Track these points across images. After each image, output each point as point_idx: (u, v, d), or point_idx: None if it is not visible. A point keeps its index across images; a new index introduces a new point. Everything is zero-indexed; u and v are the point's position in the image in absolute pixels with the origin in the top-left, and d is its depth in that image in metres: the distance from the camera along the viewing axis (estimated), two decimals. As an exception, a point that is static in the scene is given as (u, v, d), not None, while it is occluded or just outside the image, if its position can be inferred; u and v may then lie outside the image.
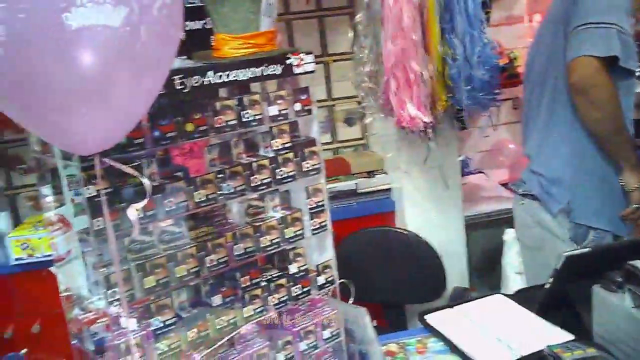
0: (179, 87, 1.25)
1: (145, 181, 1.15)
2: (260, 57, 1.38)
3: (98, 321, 1.25)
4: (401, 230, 2.78)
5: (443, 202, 2.92)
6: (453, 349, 1.66)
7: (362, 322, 1.57)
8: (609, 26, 1.82)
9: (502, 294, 1.97)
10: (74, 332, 1.29)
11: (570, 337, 1.61)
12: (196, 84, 1.27)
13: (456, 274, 2.87)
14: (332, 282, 1.54)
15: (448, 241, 2.87)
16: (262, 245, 1.41)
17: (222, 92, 1.45)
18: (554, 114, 2.03)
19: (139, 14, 0.96)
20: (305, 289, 1.50)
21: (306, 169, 1.46)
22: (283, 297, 1.45)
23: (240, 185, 1.37)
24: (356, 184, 3.03)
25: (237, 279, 1.39)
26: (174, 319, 1.27)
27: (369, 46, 2.55)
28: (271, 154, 1.42)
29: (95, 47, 0.93)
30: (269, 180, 1.41)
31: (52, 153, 1.21)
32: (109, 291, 1.17)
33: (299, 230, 1.47)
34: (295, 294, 1.48)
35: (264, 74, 1.38)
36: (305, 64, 1.44)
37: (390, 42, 2.39)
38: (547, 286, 1.72)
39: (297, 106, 1.44)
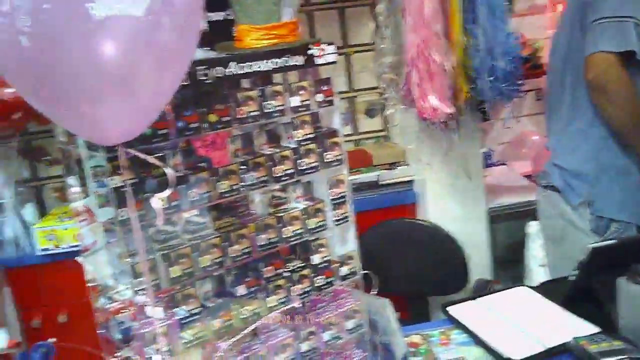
0: (202, 78, 1.25)
1: (169, 171, 1.15)
2: (282, 47, 1.38)
3: (124, 310, 1.26)
4: (423, 222, 2.77)
5: (466, 194, 2.90)
6: (476, 340, 1.65)
7: (385, 313, 1.56)
8: (625, 19, 1.78)
9: (527, 286, 1.95)
10: (101, 322, 1.30)
11: (596, 329, 1.59)
12: (219, 75, 1.27)
13: (479, 266, 2.85)
14: (355, 273, 1.54)
15: (471, 233, 2.86)
16: (284, 236, 1.41)
17: (245, 83, 1.45)
18: (574, 108, 2.00)
19: (161, 3, 0.97)
20: (328, 280, 1.49)
21: (328, 160, 1.46)
22: (306, 287, 1.45)
23: (263, 176, 1.37)
24: (378, 175, 3.02)
25: (260, 270, 1.40)
26: (199, 308, 1.28)
27: (390, 37, 2.54)
28: (293, 145, 1.42)
29: (119, 37, 0.93)
30: (291, 171, 1.41)
31: (77, 144, 1.22)
32: (135, 280, 1.18)
33: (322, 221, 1.47)
34: (318, 285, 1.48)
35: (286, 64, 1.38)
36: (326, 54, 1.43)
37: (411, 32, 2.37)
38: (573, 278, 1.70)
39: (319, 97, 1.44)
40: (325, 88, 1.45)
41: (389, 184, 3.03)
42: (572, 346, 1.51)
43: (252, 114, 1.34)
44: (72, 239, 2.68)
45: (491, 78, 2.40)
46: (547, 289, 1.88)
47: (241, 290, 1.36)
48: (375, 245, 2.63)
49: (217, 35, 1.48)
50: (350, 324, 1.53)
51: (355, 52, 3.34)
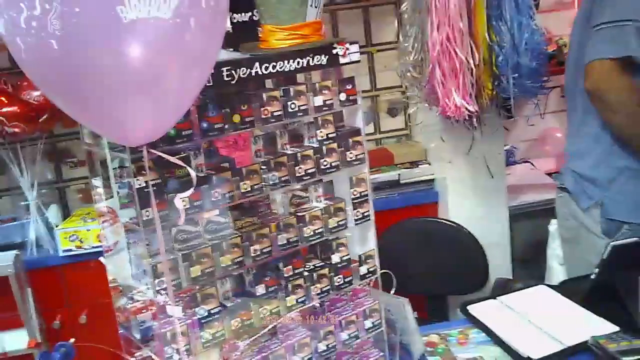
0: (227, 79, 1.26)
1: (192, 172, 1.16)
2: (306, 47, 1.38)
3: (144, 310, 1.28)
4: (444, 221, 2.76)
5: (487, 193, 2.89)
6: (495, 340, 1.65)
7: (403, 312, 1.56)
8: (624, 23, 1.73)
9: (546, 285, 1.94)
10: (122, 321, 1.32)
11: (615, 328, 1.58)
12: (243, 76, 1.28)
13: (499, 265, 2.84)
14: (374, 273, 1.54)
15: (492, 232, 2.84)
16: (305, 236, 1.42)
17: (268, 83, 1.46)
18: (586, 112, 1.98)
19: (188, 5, 0.97)
20: (347, 279, 1.50)
21: (350, 159, 1.46)
22: (325, 287, 1.46)
23: (284, 176, 1.37)
24: (399, 174, 3.01)
25: (280, 269, 1.41)
26: (218, 308, 1.29)
27: (414, 35, 2.52)
28: (315, 144, 1.42)
29: (146, 40, 0.94)
30: (312, 170, 1.41)
31: (101, 145, 1.24)
32: (156, 280, 1.20)
33: (342, 220, 1.47)
34: (337, 284, 1.48)
35: (310, 64, 1.38)
36: (350, 53, 1.43)
37: (436, 30, 2.36)
38: (593, 277, 1.68)
39: (342, 96, 1.44)
40: (348, 87, 1.45)
41: (410, 183, 3.02)
42: (592, 345, 1.50)
43: (275, 114, 1.35)
44: (94, 239, 2.71)
45: (515, 75, 2.38)
46: (567, 288, 1.87)
47: (260, 289, 1.37)
48: (395, 244, 2.63)
49: (242, 36, 1.48)
50: (368, 323, 1.53)
51: (378, 51, 3.32)
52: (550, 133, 3.61)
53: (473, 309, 1.81)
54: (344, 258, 1.49)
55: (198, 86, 1.11)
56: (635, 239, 1.75)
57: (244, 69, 1.28)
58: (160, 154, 1.13)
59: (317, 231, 1.44)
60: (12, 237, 2.86)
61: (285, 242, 1.39)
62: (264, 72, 1.31)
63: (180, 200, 1.16)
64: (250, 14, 1.54)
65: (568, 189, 2.09)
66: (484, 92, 2.45)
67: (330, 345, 1.47)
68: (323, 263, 1.47)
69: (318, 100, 1.41)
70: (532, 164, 3.57)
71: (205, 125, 1.24)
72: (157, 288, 1.19)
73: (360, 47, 1.48)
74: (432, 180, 3.02)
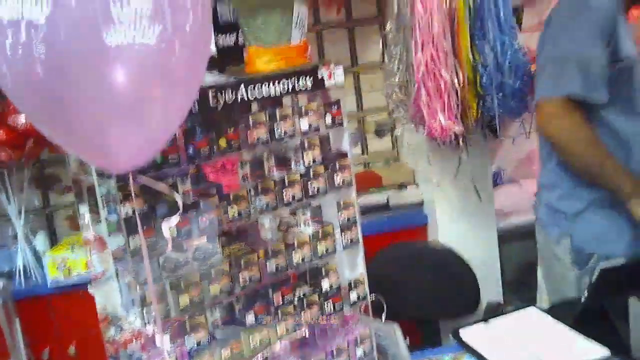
0: (213, 105, 1.25)
1: (178, 199, 1.15)
2: (291, 70, 1.37)
3: (134, 340, 1.24)
4: (433, 245, 2.74)
5: (476, 215, 2.88)
6: (487, 365, 1.62)
7: (394, 338, 1.54)
8: (565, 59, 1.64)
9: (537, 307, 1.93)
10: (111, 353, 1.29)
11: (606, 351, 1.56)
12: (229, 101, 1.27)
13: (490, 287, 2.82)
14: (364, 298, 1.52)
15: (481, 254, 2.83)
16: (294, 261, 1.40)
17: (254, 106, 1.45)
18: (550, 147, 1.95)
19: (172, 30, 0.96)
20: (337, 306, 1.48)
21: (337, 183, 1.45)
22: (315, 314, 1.44)
23: (272, 201, 1.36)
24: (387, 197, 3.00)
25: (269, 296, 1.38)
26: (207, 338, 1.26)
27: (399, 56, 2.53)
28: (302, 168, 1.41)
29: (131, 65, 0.93)
30: (300, 195, 1.40)
31: (88, 172, 1.22)
32: (144, 309, 1.17)
33: (330, 245, 1.46)
34: (327, 311, 1.46)
35: (295, 88, 1.38)
36: (335, 76, 1.43)
37: (420, 50, 2.37)
38: (583, 299, 1.67)
39: (328, 118, 1.43)
40: (334, 110, 1.45)
41: (398, 206, 3.00)
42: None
43: (261, 138, 1.34)
44: (82, 268, 2.66)
45: (500, 94, 2.39)
46: (557, 311, 1.85)
47: (250, 318, 1.34)
48: (385, 269, 2.60)
49: (228, 59, 1.48)
50: (359, 351, 1.51)
51: (363, 72, 3.33)
52: (537, 153, 3.62)
53: (464, 333, 1.79)
54: (334, 284, 1.47)
55: (183, 111, 1.10)
56: (623, 261, 1.74)
57: (230, 93, 1.27)
58: (146, 181, 1.11)
59: (305, 257, 1.42)
60: (0, 266, 2.81)
61: (274, 268, 1.37)
62: (250, 97, 1.30)
63: (167, 228, 1.14)
64: (235, 37, 1.54)
65: (540, 219, 2.07)
66: (469, 113, 2.46)
67: (321, 373, 1.44)
68: (312, 289, 1.45)
69: (304, 124, 1.40)
70: (519, 184, 3.58)
71: (191, 150, 1.22)
72: (146, 318, 1.16)
73: (346, 67, 1.48)
74: (422, 202, 3.02)
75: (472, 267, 2.62)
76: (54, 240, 3.10)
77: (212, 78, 1.31)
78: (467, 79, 2.40)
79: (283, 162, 1.44)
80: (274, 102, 1.44)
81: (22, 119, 2.59)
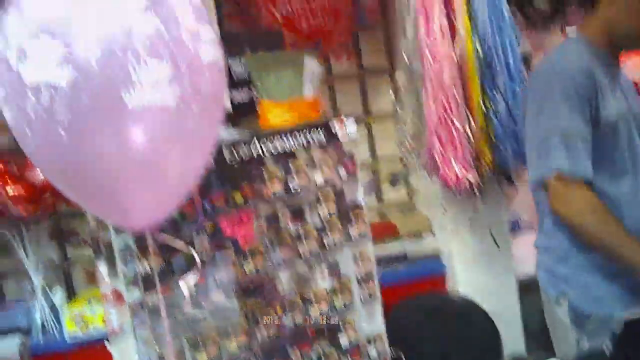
0: (229, 162, 1.26)
1: (196, 257, 1.14)
2: (304, 124, 1.39)
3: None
4: (453, 296, 2.69)
5: (494, 264, 2.83)
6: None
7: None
8: (547, 137, 1.54)
9: (559, 359, 1.88)
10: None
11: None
12: (244, 157, 1.29)
13: (511, 339, 2.76)
14: (383, 354, 1.50)
15: (502, 305, 2.76)
16: (312, 317, 1.39)
17: (269, 159, 1.46)
18: (541, 211, 1.91)
19: (191, 91, 0.98)
20: (356, 361, 1.46)
21: (353, 236, 1.45)
22: (334, 371, 1.42)
23: (289, 255, 1.36)
24: (405, 248, 2.97)
25: (288, 353, 1.36)
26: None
27: (411, 105, 2.55)
28: (317, 221, 1.42)
29: (150, 127, 0.95)
30: (316, 248, 1.40)
31: (106, 227, 1.23)
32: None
33: (348, 299, 1.44)
34: (346, 367, 1.44)
35: (309, 141, 1.39)
36: (348, 128, 1.45)
37: (431, 100, 2.39)
38: (607, 352, 1.63)
39: (342, 172, 1.44)
40: (348, 163, 1.46)
41: (416, 256, 2.97)
42: None
43: (277, 193, 1.35)
44: (100, 322, 2.65)
45: (514, 142, 2.39)
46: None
47: (268, 376, 1.32)
48: (404, 322, 2.55)
49: (243, 114, 1.50)
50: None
51: (376, 121, 3.35)
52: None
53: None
54: (352, 339, 1.45)
55: (199, 169, 1.11)
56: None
57: (245, 148, 1.29)
58: (164, 239, 1.11)
59: (323, 312, 1.41)
60: (18, 321, 2.80)
61: (292, 323, 1.36)
62: (264, 152, 1.32)
63: (185, 286, 1.13)
64: (248, 92, 1.56)
65: (540, 280, 2.04)
66: (482, 160, 2.46)
67: None
68: (331, 345, 1.43)
69: (318, 178, 1.41)
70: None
71: (208, 206, 1.23)
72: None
73: (358, 117, 1.50)
74: (438, 251, 2.98)
75: (492, 317, 2.57)
76: (71, 294, 3.09)
77: (226, 133, 1.33)
78: (480, 128, 2.41)
79: (299, 215, 1.45)
80: (288, 155, 1.46)
81: (40, 174, 2.62)
